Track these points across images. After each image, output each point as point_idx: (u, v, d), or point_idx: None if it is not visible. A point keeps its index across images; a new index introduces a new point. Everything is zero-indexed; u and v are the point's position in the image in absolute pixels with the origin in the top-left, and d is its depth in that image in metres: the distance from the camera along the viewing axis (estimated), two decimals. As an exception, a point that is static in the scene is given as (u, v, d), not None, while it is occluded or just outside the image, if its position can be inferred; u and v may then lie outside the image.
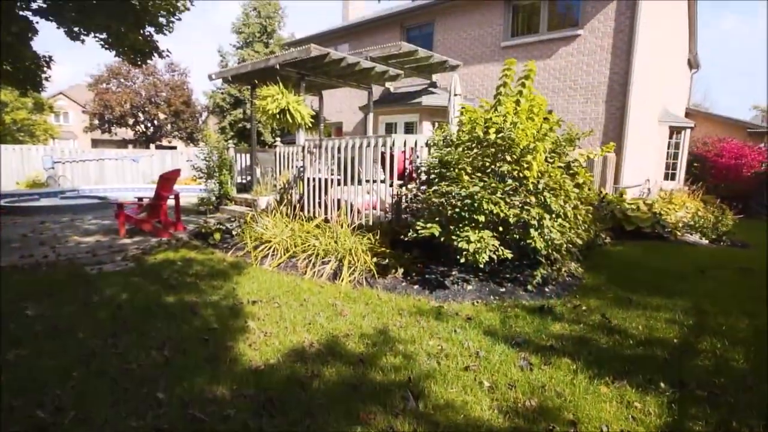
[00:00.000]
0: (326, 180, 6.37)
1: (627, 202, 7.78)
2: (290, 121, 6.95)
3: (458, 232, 4.07)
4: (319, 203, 6.49)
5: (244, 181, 10.12)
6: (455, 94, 6.76)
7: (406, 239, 4.49)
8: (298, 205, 6.84)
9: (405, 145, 5.53)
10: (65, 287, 4.22)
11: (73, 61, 68.80)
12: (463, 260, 4.02)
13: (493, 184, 4.13)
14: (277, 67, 8.18)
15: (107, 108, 29.89)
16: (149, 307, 3.75)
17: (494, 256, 4.08)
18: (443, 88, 11.86)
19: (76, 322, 3.38)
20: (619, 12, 9.26)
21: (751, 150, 12.62)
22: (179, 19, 7.08)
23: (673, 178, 12.39)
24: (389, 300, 4.09)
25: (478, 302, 4.09)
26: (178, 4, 6.86)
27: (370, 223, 5.69)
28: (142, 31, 6.92)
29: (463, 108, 4.75)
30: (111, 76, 30.24)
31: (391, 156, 5.54)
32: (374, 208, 5.92)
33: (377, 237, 5.27)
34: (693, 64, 16.66)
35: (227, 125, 27.47)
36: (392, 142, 5.49)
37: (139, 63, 7.51)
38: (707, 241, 7.48)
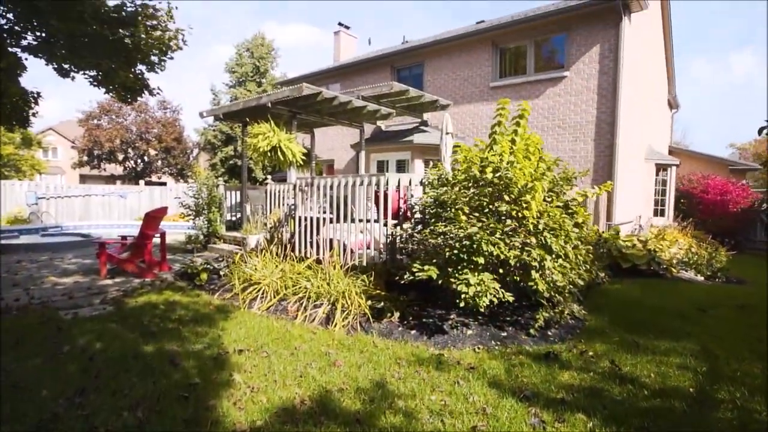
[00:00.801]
0: (318, 219, 6.21)
1: (622, 240, 7.72)
2: (281, 158, 6.86)
3: (457, 275, 3.90)
4: (311, 243, 6.29)
5: (233, 218, 9.89)
6: (447, 133, 6.77)
7: (402, 281, 4.30)
8: (288, 245, 6.62)
9: (399, 184, 5.43)
10: (35, 335, 3.91)
11: (64, 96, 69.31)
12: (462, 304, 3.83)
13: (492, 225, 4.00)
14: (269, 105, 8.19)
15: (96, 143, 29.75)
16: (125, 359, 3.45)
17: (495, 299, 3.91)
18: (434, 127, 12.02)
19: (41, 378, 3.07)
20: (602, 55, 9.60)
21: (735, 186, 12.89)
22: (171, 58, 7.10)
23: (662, 214, 12.50)
24: (386, 347, 3.84)
25: (479, 348, 3.86)
26: (171, 44, 6.89)
27: (364, 263, 5.50)
28: (133, 69, 6.90)
29: (458, 147, 4.70)
30: (102, 113, 30.32)
31: (385, 195, 5.42)
32: (368, 247, 5.75)
33: (371, 278, 5.07)
34: (673, 104, 17.31)
35: (218, 162, 27.50)
36: (386, 181, 5.39)
37: (129, 100, 7.46)
38: (702, 278, 7.42)
